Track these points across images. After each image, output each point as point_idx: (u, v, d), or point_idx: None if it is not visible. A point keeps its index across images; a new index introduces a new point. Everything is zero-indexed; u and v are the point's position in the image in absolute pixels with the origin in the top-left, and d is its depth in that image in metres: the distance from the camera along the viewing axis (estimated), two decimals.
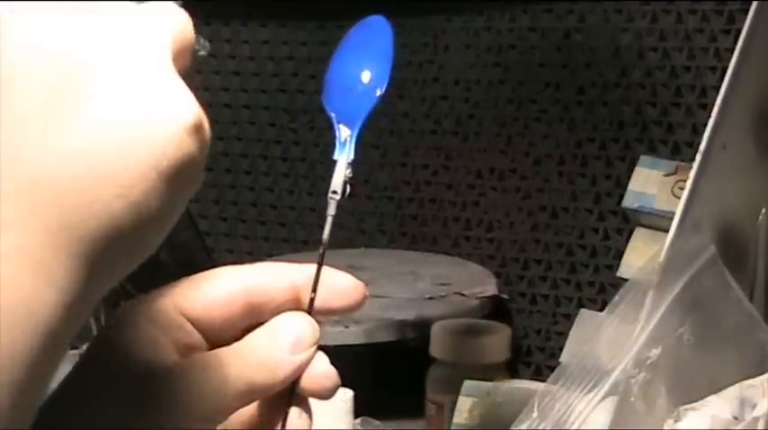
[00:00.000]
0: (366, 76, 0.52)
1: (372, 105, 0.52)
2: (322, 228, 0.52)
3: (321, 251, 0.51)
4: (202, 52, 0.50)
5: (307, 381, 0.50)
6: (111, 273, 0.41)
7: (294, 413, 0.50)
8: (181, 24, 0.44)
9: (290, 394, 0.50)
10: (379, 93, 0.52)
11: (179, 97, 0.41)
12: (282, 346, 0.49)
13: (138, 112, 0.40)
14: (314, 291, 0.50)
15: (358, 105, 0.52)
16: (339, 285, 0.51)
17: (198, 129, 0.42)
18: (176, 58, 0.43)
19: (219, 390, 0.47)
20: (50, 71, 0.39)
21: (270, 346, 0.49)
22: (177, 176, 0.41)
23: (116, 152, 0.39)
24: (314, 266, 0.51)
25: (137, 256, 0.42)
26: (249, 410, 0.51)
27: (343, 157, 0.52)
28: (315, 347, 0.50)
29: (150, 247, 0.42)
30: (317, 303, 0.51)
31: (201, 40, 0.49)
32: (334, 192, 0.51)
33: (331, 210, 0.51)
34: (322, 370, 0.50)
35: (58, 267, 0.38)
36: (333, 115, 0.52)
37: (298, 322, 0.50)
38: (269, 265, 0.52)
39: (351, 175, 0.52)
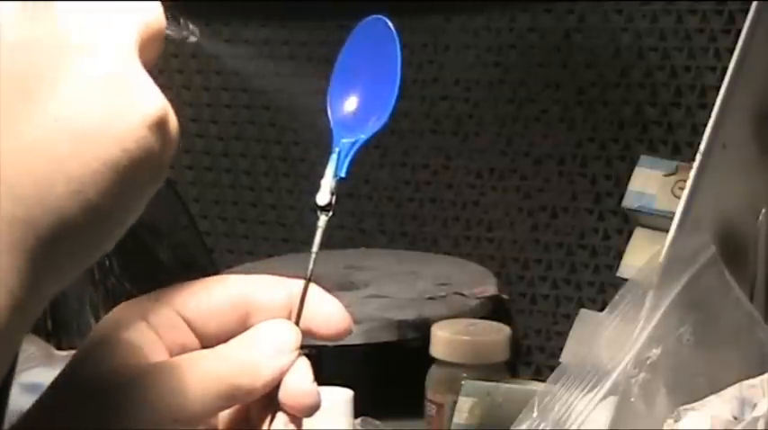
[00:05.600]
0: (371, 105, 0.52)
1: (372, 134, 0.51)
2: (321, 227, 0.51)
3: (311, 266, 0.51)
4: (192, 39, 0.50)
5: (287, 397, 0.49)
6: (62, 272, 0.40)
7: (281, 421, 0.50)
8: (148, 14, 0.43)
9: (275, 401, 0.50)
10: (381, 123, 0.52)
11: (141, 91, 0.40)
12: (264, 349, 0.49)
13: (97, 108, 0.39)
14: (302, 302, 0.50)
15: (358, 129, 0.51)
16: (327, 313, 0.51)
17: (161, 124, 0.41)
18: (143, 48, 0.42)
19: (201, 390, 0.47)
20: (13, 65, 0.39)
21: (251, 349, 0.49)
22: (136, 174, 0.40)
23: (72, 148, 0.38)
24: (312, 283, 0.51)
25: (89, 255, 0.41)
26: (236, 418, 0.51)
27: (330, 171, 0.51)
28: (297, 352, 0.49)
29: (104, 247, 0.41)
30: (302, 325, 0.50)
31: (190, 26, 0.49)
32: (323, 208, 0.51)
33: (321, 222, 0.51)
34: (303, 387, 0.49)
35: (7, 265, 0.38)
36: (332, 124, 0.52)
37: (280, 327, 0.50)
38: (268, 278, 0.51)
39: (334, 192, 0.51)
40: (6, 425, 0.47)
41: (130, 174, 0.40)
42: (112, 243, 0.41)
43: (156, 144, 0.40)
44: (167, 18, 0.45)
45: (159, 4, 0.44)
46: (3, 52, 0.39)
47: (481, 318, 1.15)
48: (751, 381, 0.76)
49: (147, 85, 0.41)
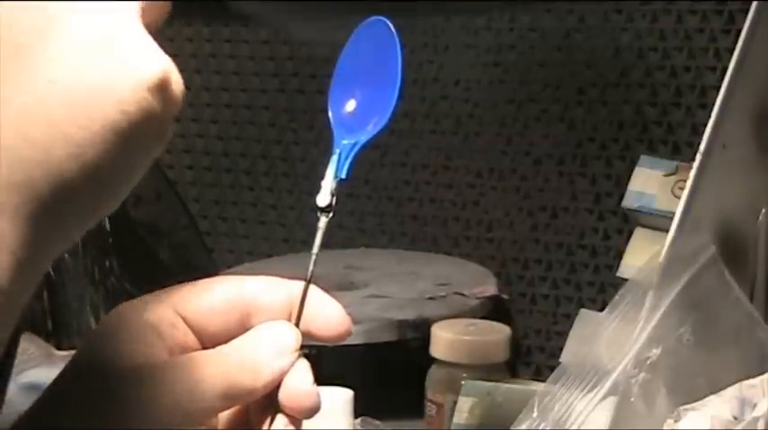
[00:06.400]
0: (372, 106, 0.52)
1: (373, 136, 0.52)
2: (321, 229, 0.51)
3: (311, 267, 0.51)
4: None
5: (287, 398, 0.49)
6: (64, 234, 0.40)
7: (281, 422, 0.50)
8: None
9: (275, 402, 0.50)
10: (381, 125, 0.52)
11: (141, 52, 0.40)
12: (264, 350, 0.49)
13: (94, 69, 0.39)
14: (302, 303, 0.50)
15: (359, 131, 0.52)
16: (327, 315, 0.51)
17: (163, 86, 0.40)
18: (146, 8, 0.41)
19: (201, 390, 0.47)
20: (6, 25, 0.38)
21: (252, 349, 0.49)
22: (137, 137, 0.39)
23: (70, 111, 0.38)
24: (312, 285, 0.51)
25: (93, 215, 0.41)
26: (236, 420, 0.51)
27: (331, 172, 0.51)
28: (297, 353, 0.50)
29: (108, 206, 0.41)
30: (302, 327, 0.50)
31: None
32: (323, 209, 0.51)
33: (321, 223, 0.51)
34: (303, 388, 0.49)
35: (8, 228, 0.37)
36: (333, 125, 0.52)
37: (280, 329, 0.50)
38: (268, 278, 0.52)
39: (334, 193, 0.51)
40: (6, 425, 0.47)
41: (131, 136, 0.39)
42: (117, 203, 0.41)
43: (157, 106, 0.40)
44: None
45: None
46: (2, 14, 0.38)
47: (481, 318, 1.15)
48: (751, 381, 0.76)
49: (147, 45, 0.40)
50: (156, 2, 0.42)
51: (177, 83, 0.41)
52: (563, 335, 1.00)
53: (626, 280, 0.85)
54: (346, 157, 0.51)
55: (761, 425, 0.73)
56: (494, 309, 1.19)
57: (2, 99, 0.38)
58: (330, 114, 0.52)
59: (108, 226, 1.17)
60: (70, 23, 0.39)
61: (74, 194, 0.39)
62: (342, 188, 0.51)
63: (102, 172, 0.39)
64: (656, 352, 0.78)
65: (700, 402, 0.76)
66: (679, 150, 1.19)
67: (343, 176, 0.51)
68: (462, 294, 1.19)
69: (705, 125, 0.86)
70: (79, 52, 0.39)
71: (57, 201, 0.38)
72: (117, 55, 0.39)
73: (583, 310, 0.98)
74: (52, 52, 0.38)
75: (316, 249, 0.51)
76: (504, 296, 1.22)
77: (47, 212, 0.38)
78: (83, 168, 0.38)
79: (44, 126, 0.38)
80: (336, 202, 0.51)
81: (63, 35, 0.39)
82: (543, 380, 0.83)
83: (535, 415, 0.78)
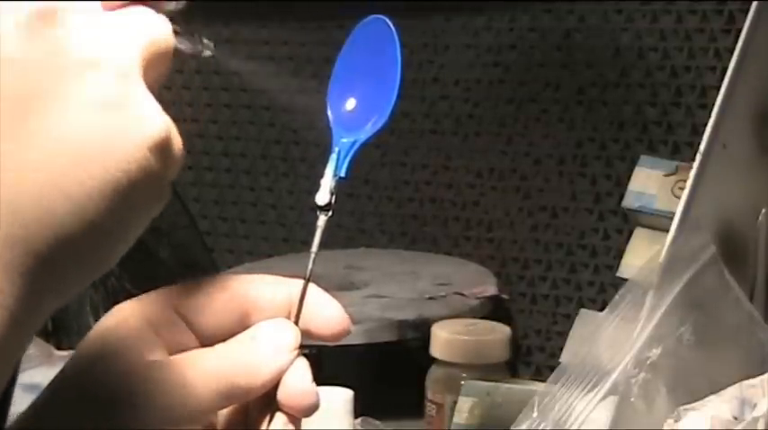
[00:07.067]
0: (371, 105, 0.52)
1: (372, 135, 0.52)
2: (321, 227, 0.51)
3: (310, 266, 0.51)
4: (207, 53, 0.50)
5: (286, 396, 0.49)
6: (63, 288, 0.40)
7: (280, 421, 0.50)
8: (153, 30, 0.42)
9: (274, 401, 0.50)
10: (380, 124, 0.52)
11: (142, 112, 0.40)
12: (263, 348, 0.49)
13: (97, 128, 0.39)
14: (301, 302, 0.50)
15: (358, 129, 0.52)
16: (326, 314, 0.51)
17: (163, 146, 0.41)
18: (149, 65, 0.42)
19: (199, 389, 0.47)
20: (12, 82, 0.38)
21: (251, 348, 0.49)
22: (137, 195, 0.40)
23: (71, 167, 0.39)
24: (311, 284, 0.51)
25: (91, 272, 0.41)
26: (235, 418, 0.51)
27: (330, 170, 0.51)
28: (296, 352, 0.50)
29: (106, 264, 0.41)
30: (301, 326, 0.50)
31: (204, 40, 0.49)
32: (322, 208, 0.51)
33: (320, 222, 0.51)
34: (302, 387, 0.49)
35: (6, 283, 0.38)
36: (332, 124, 0.52)
37: (279, 327, 0.50)
38: (267, 277, 0.52)
39: (333, 192, 0.51)
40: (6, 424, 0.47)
41: (131, 194, 0.40)
42: (115, 259, 0.42)
43: (156, 165, 0.40)
44: (179, 33, 0.45)
45: (166, 20, 0.44)
46: (2, 69, 0.38)
47: (481, 318, 1.15)
48: (751, 381, 0.76)
49: (149, 105, 0.41)
50: (160, 58, 0.43)
51: (177, 142, 0.41)
52: (563, 335, 1.00)
53: (626, 280, 0.85)
54: (345, 156, 0.51)
55: (761, 425, 0.73)
56: (494, 309, 1.19)
57: (5, 155, 0.38)
58: (329, 112, 0.52)
59: None
60: (76, 84, 0.39)
61: (72, 250, 0.39)
62: (342, 188, 0.51)
63: (101, 228, 0.39)
64: (656, 352, 0.78)
65: (700, 402, 0.76)
66: (679, 150, 1.19)
67: (343, 175, 0.51)
68: (462, 294, 1.19)
69: (705, 125, 0.86)
70: (83, 112, 0.39)
71: (54, 257, 0.39)
72: (120, 115, 0.40)
73: (583, 310, 0.98)
74: (57, 111, 0.39)
75: (315, 248, 0.51)
76: (504, 296, 1.22)
77: (44, 267, 0.38)
78: (81, 224, 0.39)
79: (45, 182, 0.38)
80: (336, 201, 0.51)
81: (69, 95, 0.39)
82: (543, 380, 0.83)
83: (535, 415, 0.78)
